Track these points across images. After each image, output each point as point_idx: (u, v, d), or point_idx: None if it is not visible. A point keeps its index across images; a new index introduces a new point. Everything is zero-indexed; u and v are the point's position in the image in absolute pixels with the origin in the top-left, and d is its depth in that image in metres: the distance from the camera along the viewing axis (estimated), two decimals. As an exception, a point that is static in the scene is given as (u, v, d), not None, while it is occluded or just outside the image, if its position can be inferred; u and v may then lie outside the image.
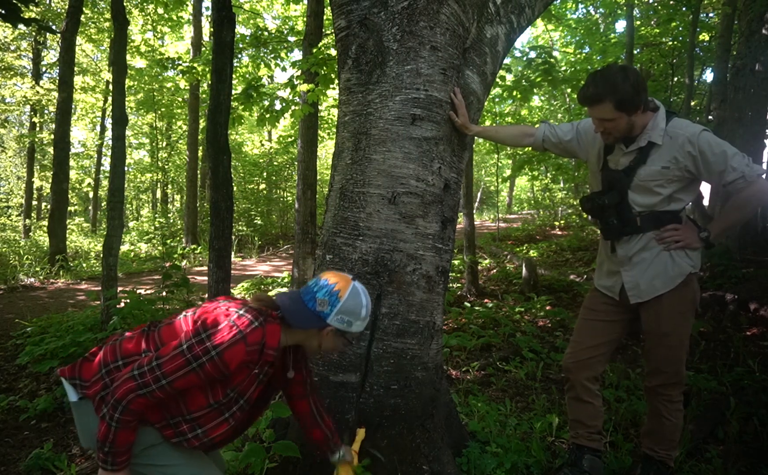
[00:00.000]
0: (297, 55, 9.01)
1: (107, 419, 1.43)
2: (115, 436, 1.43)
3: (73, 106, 13.01)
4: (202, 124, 15.37)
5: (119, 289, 4.94)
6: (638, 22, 11.16)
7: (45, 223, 13.11)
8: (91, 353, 1.62)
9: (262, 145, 21.62)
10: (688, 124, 2.13)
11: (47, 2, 15.36)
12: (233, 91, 5.24)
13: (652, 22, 11.56)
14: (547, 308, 6.20)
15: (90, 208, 21.64)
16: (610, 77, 2.07)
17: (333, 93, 10.15)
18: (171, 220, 16.95)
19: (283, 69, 9.11)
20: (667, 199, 2.16)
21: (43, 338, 4.21)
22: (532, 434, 2.87)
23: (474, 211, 9.26)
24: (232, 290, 4.90)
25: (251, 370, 1.53)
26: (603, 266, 2.44)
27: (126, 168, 8.84)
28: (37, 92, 15.60)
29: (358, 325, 1.57)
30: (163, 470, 1.59)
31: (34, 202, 19.42)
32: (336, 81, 5.29)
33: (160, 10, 12.55)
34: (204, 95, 15.12)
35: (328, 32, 7.69)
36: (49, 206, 12.32)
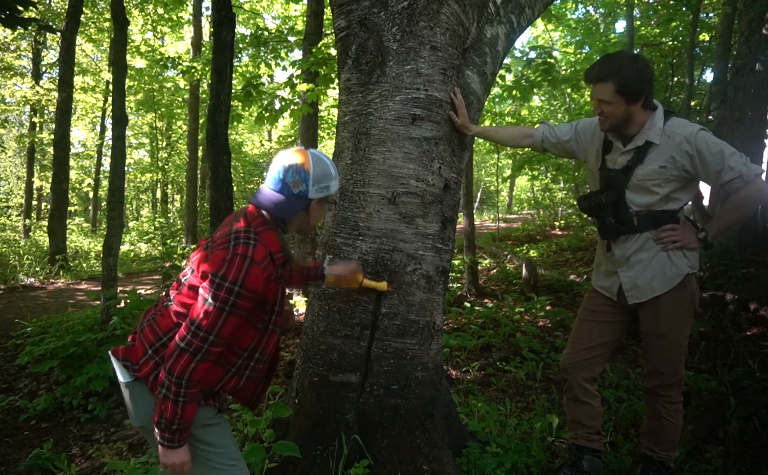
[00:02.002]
0: (297, 55, 9.02)
1: (172, 398, 1.44)
2: (183, 411, 1.45)
3: (73, 106, 13.01)
4: (202, 121, 15.35)
5: (119, 289, 4.94)
6: (638, 22, 11.16)
7: (45, 223, 13.12)
8: (131, 339, 1.65)
9: (262, 145, 21.64)
10: (686, 124, 2.13)
11: (47, 2, 15.35)
12: (233, 91, 5.25)
13: (652, 22, 11.55)
14: (547, 308, 6.20)
15: (90, 208, 21.65)
16: (618, 60, 2.10)
17: (333, 93, 10.16)
18: (171, 220, 16.91)
19: (284, 69, 9.13)
20: (664, 198, 2.15)
21: (43, 338, 4.20)
22: (532, 434, 2.87)
23: (474, 211, 9.26)
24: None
25: (274, 280, 1.58)
26: (601, 267, 2.44)
27: (126, 168, 8.85)
28: (37, 92, 15.60)
29: (333, 184, 1.64)
30: (209, 449, 1.61)
31: (34, 202, 19.43)
32: (336, 81, 5.29)
33: (160, 10, 12.57)
34: (204, 95, 15.11)
35: (328, 32, 7.69)
36: (49, 206, 12.32)
